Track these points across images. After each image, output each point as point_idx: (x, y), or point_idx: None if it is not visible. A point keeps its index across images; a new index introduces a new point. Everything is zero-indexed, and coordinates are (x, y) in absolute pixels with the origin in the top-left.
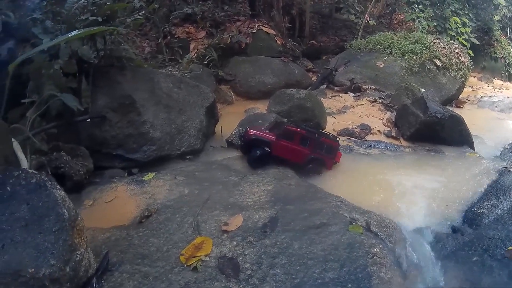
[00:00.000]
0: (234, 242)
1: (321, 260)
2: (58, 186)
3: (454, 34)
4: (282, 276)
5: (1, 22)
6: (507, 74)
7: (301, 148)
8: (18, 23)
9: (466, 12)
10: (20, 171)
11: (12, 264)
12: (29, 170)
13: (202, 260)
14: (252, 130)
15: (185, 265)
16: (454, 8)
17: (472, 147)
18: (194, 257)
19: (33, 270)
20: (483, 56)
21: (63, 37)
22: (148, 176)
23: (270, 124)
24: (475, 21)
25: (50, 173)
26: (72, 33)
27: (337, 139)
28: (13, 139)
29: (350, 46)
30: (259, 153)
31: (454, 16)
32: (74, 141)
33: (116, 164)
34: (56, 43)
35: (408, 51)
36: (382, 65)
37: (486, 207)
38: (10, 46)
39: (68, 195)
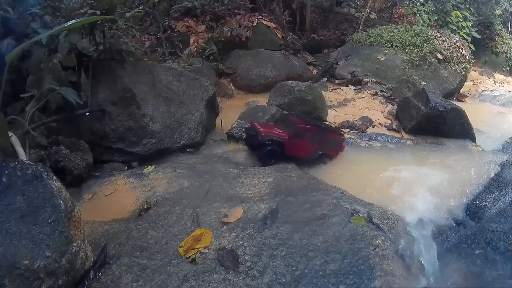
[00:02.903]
0: (234, 234)
1: (323, 252)
2: (54, 177)
3: (455, 28)
4: (283, 268)
5: (0, 17)
6: (508, 68)
7: (311, 145)
8: (17, 19)
9: (467, 6)
10: (16, 162)
11: (7, 256)
12: (25, 161)
13: (201, 252)
14: (261, 128)
15: (184, 257)
16: (455, 2)
17: (474, 140)
18: (193, 249)
19: (28, 262)
20: (484, 50)
21: (59, 27)
22: (148, 169)
23: (276, 117)
24: (476, 15)
25: (49, 167)
26: (69, 23)
27: (343, 133)
28: (11, 133)
29: (350, 40)
30: (269, 148)
31: (455, 10)
32: (74, 135)
33: (116, 157)
34: (53, 33)
35: (409, 44)
36: (383, 58)
37: (489, 200)
38: (9, 42)
39: (68, 189)
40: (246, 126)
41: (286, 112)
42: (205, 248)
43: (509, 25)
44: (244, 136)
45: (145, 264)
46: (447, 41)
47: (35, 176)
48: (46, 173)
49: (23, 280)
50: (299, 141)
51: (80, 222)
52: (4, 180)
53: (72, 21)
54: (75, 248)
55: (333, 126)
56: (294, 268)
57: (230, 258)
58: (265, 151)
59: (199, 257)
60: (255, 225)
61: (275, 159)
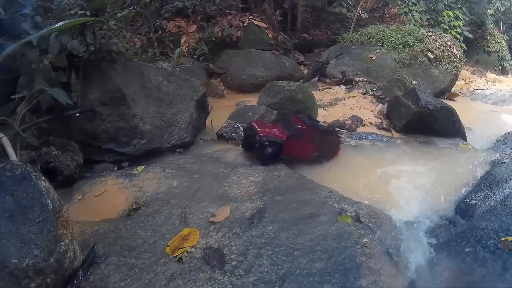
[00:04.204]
0: (221, 233)
1: (309, 251)
2: (43, 178)
3: (447, 27)
4: (268, 267)
5: None
6: (500, 67)
7: (309, 146)
8: (8, 19)
9: (459, 6)
10: (6, 163)
11: None
12: (14, 162)
13: (188, 251)
14: (260, 128)
15: (171, 257)
16: (447, 1)
17: (465, 139)
18: (180, 248)
19: (16, 260)
20: (476, 49)
21: (50, 28)
22: (138, 170)
23: (275, 118)
24: (468, 14)
25: (40, 167)
26: (58, 24)
27: (340, 135)
28: (2, 134)
29: (342, 39)
30: (269, 149)
31: (447, 10)
32: (65, 136)
33: (106, 158)
34: (43, 34)
35: (400, 44)
36: (374, 58)
37: (479, 198)
38: (1, 42)
39: (59, 189)
40: (245, 126)
41: (284, 112)
42: (192, 247)
43: (501, 25)
44: (242, 137)
45: (133, 263)
46: (439, 40)
47: (23, 176)
48: (34, 173)
49: (12, 278)
50: (297, 141)
51: (68, 221)
52: None
53: (62, 22)
54: (63, 247)
55: (330, 127)
56: (279, 267)
57: (216, 257)
58: (266, 152)
59: (186, 256)
60: (242, 224)
61: (275, 159)
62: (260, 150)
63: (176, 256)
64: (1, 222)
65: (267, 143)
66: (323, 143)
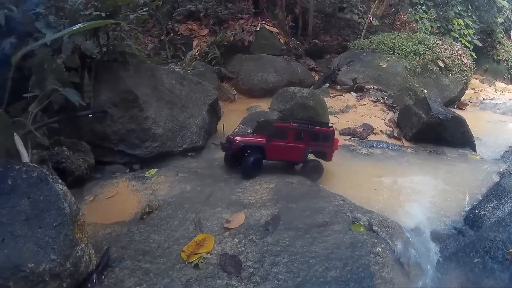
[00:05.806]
0: (236, 240)
1: (324, 259)
2: (59, 180)
3: (457, 35)
4: (284, 274)
5: (4, 16)
6: (509, 76)
7: (297, 144)
8: (21, 18)
9: (469, 14)
10: (22, 165)
11: (12, 258)
12: (31, 164)
13: (203, 257)
14: (237, 138)
15: (186, 262)
16: (458, 9)
17: (474, 149)
18: (196, 254)
19: (33, 265)
20: (485, 58)
21: (66, 30)
22: (150, 173)
23: (254, 127)
24: (478, 23)
25: (51, 168)
26: (76, 26)
27: (331, 125)
28: (15, 134)
29: (353, 46)
30: (251, 159)
31: (458, 18)
32: (76, 136)
33: (117, 159)
34: (59, 36)
35: (411, 52)
36: (385, 65)
37: (488, 209)
38: (13, 41)
39: (69, 190)
40: (224, 142)
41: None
42: (207, 253)
43: (511, 33)
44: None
45: (148, 268)
46: (449, 49)
47: (40, 179)
48: (51, 176)
49: (27, 282)
50: (281, 142)
51: (84, 225)
52: (9, 182)
53: (79, 25)
54: (79, 251)
55: (320, 121)
56: (295, 275)
57: (232, 263)
58: (246, 161)
59: (201, 262)
60: (257, 231)
61: (259, 167)
62: (240, 160)
63: (191, 261)
64: (16, 225)
65: (244, 147)
66: (313, 139)
